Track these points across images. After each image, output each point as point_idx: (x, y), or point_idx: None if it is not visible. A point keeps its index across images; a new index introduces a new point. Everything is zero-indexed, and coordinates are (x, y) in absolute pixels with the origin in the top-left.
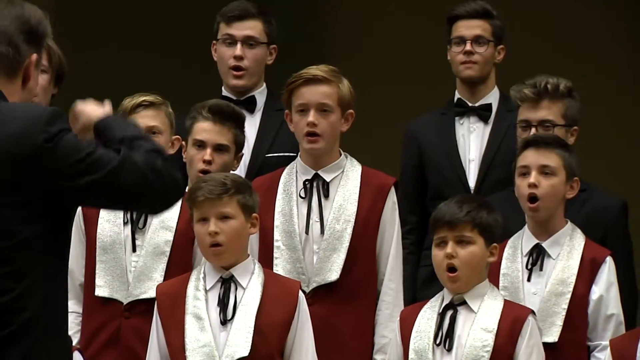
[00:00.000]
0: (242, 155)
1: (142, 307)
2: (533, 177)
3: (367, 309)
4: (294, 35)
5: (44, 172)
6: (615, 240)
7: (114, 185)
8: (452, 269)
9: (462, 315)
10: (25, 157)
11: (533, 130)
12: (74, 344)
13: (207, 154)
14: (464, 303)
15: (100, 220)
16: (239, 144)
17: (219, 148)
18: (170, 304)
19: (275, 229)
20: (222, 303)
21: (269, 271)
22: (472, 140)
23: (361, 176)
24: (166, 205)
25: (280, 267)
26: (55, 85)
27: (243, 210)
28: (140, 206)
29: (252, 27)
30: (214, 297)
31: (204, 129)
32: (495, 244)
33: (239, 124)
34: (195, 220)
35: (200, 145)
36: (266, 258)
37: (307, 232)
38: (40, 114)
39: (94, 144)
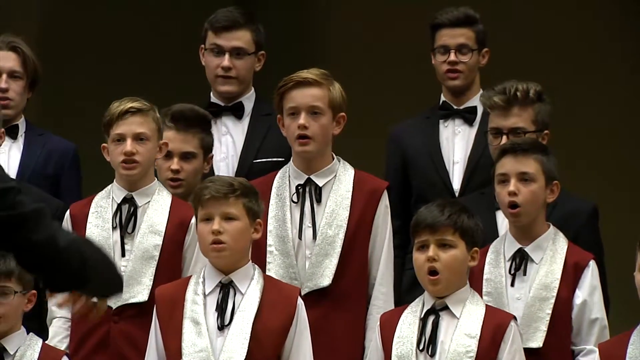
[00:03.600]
0: (212, 156)
1: (131, 312)
2: (512, 185)
3: (359, 314)
4: (284, 41)
5: None
6: (585, 244)
7: None
8: (433, 272)
9: (445, 320)
10: None
11: (504, 137)
12: (63, 348)
13: (175, 163)
14: (445, 308)
15: (88, 225)
16: (207, 147)
17: (185, 156)
18: (169, 307)
19: (268, 234)
20: (220, 308)
21: (270, 277)
22: (456, 143)
23: (354, 180)
24: None
25: (273, 272)
26: (30, 90)
27: (248, 213)
28: None
29: (240, 38)
30: (212, 302)
31: (169, 138)
32: (476, 248)
33: (205, 128)
34: (199, 220)
35: (167, 154)
36: (259, 263)
37: (300, 238)
38: None
39: None
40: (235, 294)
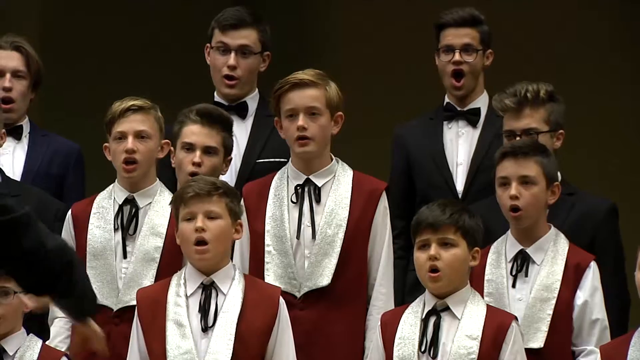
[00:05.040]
0: (231, 159)
1: (132, 314)
2: (514, 189)
3: (358, 314)
4: (284, 42)
5: None
6: (603, 243)
7: None
8: (434, 270)
9: (446, 321)
10: None
11: (518, 139)
12: (64, 349)
13: (197, 156)
14: (446, 309)
15: (90, 227)
16: (228, 148)
17: (207, 150)
18: (151, 310)
19: (266, 234)
20: (203, 310)
21: (250, 277)
22: (460, 145)
23: (352, 181)
24: None
25: (271, 272)
26: (33, 90)
27: (230, 213)
28: None
29: (246, 37)
30: (194, 303)
31: (193, 131)
32: (477, 248)
33: (227, 128)
34: (181, 219)
35: (189, 148)
36: (257, 263)
37: (298, 237)
38: None
39: None
40: (217, 295)
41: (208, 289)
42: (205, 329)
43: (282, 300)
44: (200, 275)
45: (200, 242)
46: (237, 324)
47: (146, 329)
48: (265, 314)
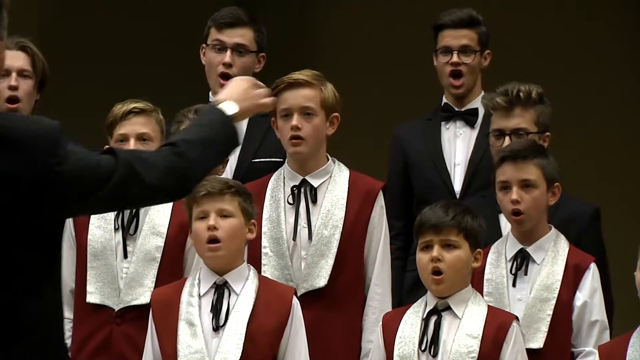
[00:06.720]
0: (228, 159)
1: (133, 314)
2: (515, 193)
3: (355, 314)
4: (284, 42)
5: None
6: (587, 246)
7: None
8: (437, 272)
9: (447, 320)
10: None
11: (507, 138)
12: None
13: None
14: (447, 308)
15: (90, 227)
16: None
17: None
18: (165, 310)
19: (262, 236)
20: (215, 309)
21: (265, 277)
22: (458, 145)
23: (349, 181)
24: (169, 200)
25: (268, 273)
26: (38, 91)
27: (243, 212)
28: (142, 204)
29: (242, 35)
30: (207, 303)
31: None
32: (479, 250)
33: None
34: (194, 218)
35: None
36: (254, 265)
37: (294, 239)
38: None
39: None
40: (230, 295)
41: (221, 289)
42: (217, 328)
43: (295, 301)
44: (214, 275)
45: (213, 240)
46: (248, 324)
47: (160, 329)
48: (277, 314)
